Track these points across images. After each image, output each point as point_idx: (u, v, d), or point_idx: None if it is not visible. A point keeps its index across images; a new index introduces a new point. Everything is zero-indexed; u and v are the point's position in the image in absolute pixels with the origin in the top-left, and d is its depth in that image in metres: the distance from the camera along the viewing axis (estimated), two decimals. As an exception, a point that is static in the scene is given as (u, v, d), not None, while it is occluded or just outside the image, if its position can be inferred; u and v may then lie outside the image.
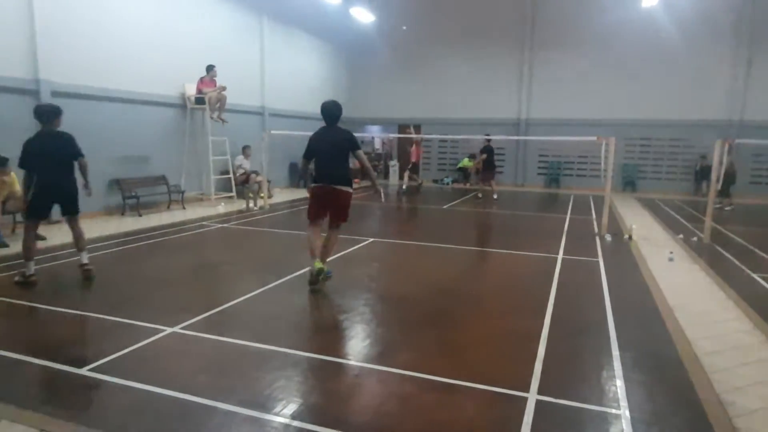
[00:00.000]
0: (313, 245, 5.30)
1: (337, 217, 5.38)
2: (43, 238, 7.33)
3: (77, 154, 5.36)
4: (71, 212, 5.44)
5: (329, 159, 5.29)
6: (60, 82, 8.72)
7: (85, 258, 5.45)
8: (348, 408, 2.96)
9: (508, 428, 2.75)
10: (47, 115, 5.29)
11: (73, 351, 3.65)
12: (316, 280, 5.21)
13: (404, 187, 15.73)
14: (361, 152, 5.40)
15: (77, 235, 5.49)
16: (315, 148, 5.35)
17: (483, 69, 18.34)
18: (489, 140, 13.71)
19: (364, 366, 3.50)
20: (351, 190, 5.37)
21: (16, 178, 7.51)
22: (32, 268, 5.22)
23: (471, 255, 7.28)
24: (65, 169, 5.30)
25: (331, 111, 5.36)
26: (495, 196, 13.86)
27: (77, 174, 5.45)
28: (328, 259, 5.47)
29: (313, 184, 5.37)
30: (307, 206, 5.58)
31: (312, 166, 5.44)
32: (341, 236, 5.66)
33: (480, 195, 14.55)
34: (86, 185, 5.48)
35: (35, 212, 5.32)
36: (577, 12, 16.97)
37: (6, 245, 6.92)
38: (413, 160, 16.08)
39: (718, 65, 15.85)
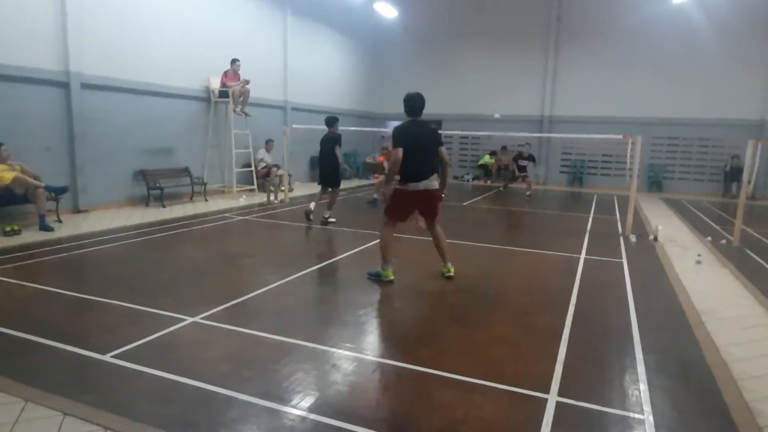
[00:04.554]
0: (390, 249, 5.28)
1: (431, 216, 5.44)
2: (49, 230, 7.47)
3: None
4: (330, 185, 8.54)
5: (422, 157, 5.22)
6: (89, 74, 8.88)
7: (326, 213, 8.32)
8: (365, 403, 2.95)
9: (527, 430, 2.71)
10: (327, 122, 8.42)
11: (97, 337, 3.72)
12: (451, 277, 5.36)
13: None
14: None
15: (331, 200, 8.50)
16: (409, 143, 5.16)
17: (506, 65, 18.06)
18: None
19: (382, 361, 3.49)
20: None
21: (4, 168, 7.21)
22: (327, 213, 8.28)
23: (491, 252, 7.19)
24: (327, 156, 8.31)
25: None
26: (528, 193, 14.01)
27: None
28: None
29: (410, 184, 5.22)
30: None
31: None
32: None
33: (529, 193, 14.15)
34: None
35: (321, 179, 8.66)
36: (604, 7, 16.58)
37: (51, 229, 7.12)
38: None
39: (751, 63, 15.30)
